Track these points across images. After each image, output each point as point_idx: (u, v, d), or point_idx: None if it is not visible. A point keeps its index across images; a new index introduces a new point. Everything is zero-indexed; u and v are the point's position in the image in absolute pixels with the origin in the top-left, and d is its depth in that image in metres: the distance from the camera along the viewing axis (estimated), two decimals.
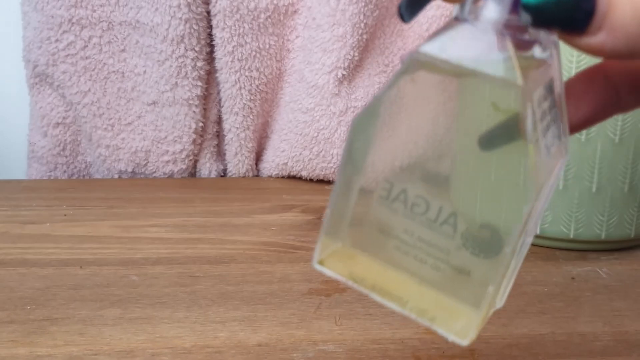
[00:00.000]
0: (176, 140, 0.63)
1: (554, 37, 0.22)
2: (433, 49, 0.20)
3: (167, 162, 0.63)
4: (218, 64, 0.61)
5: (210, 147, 0.65)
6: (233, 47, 0.60)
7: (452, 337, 0.21)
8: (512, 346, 0.34)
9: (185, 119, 0.62)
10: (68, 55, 0.62)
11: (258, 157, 0.66)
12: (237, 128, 0.63)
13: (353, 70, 0.61)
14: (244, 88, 0.61)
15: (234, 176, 0.65)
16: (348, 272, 0.23)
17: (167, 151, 0.63)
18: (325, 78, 0.60)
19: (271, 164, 0.64)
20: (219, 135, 0.65)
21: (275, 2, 0.60)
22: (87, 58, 0.62)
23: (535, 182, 0.20)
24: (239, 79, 0.61)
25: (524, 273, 0.42)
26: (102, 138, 0.63)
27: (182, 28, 0.58)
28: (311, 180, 0.64)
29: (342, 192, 0.22)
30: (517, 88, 0.20)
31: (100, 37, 0.62)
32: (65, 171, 0.66)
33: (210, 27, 0.60)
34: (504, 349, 0.34)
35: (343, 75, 0.61)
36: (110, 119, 0.63)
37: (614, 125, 0.43)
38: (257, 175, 0.66)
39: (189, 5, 0.58)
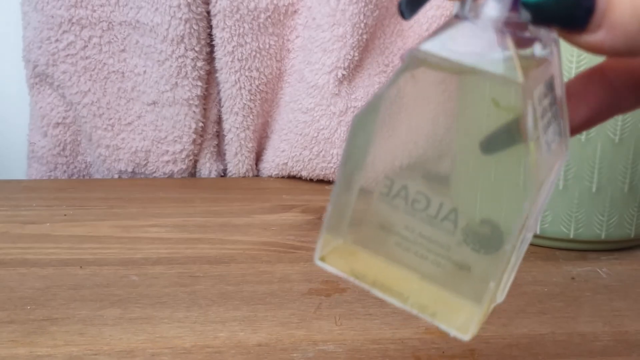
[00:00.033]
0: (176, 140, 0.63)
1: (554, 34, 0.22)
2: (433, 46, 0.20)
3: (167, 162, 0.63)
4: (218, 64, 0.61)
5: (210, 147, 0.64)
6: (233, 47, 0.60)
7: (453, 332, 0.21)
8: (512, 346, 0.34)
9: (185, 119, 0.62)
10: (68, 55, 0.62)
11: (258, 157, 0.66)
12: (237, 128, 0.63)
13: (353, 70, 0.61)
14: (244, 88, 0.61)
15: (234, 176, 0.65)
16: (349, 269, 0.23)
17: (167, 151, 0.63)
18: (325, 78, 0.60)
19: (271, 164, 0.64)
20: (219, 135, 0.65)
21: (275, 2, 0.60)
22: (87, 58, 0.62)
23: (535, 179, 0.20)
24: (239, 79, 0.61)
25: (524, 273, 0.42)
26: (102, 138, 0.63)
27: (182, 28, 0.58)
28: (311, 180, 0.64)
29: (343, 189, 0.22)
30: (517, 86, 0.20)
31: (100, 37, 0.62)
32: (65, 171, 0.66)
33: (210, 27, 0.60)
34: (504, 349, 0.34)
35: (343, 75, 0.60)
36: (110, 119, 0.63)
37: (614, 126, 0.43)
38: (257, 175, 0.66)
39: (189, 5, 0.58)
